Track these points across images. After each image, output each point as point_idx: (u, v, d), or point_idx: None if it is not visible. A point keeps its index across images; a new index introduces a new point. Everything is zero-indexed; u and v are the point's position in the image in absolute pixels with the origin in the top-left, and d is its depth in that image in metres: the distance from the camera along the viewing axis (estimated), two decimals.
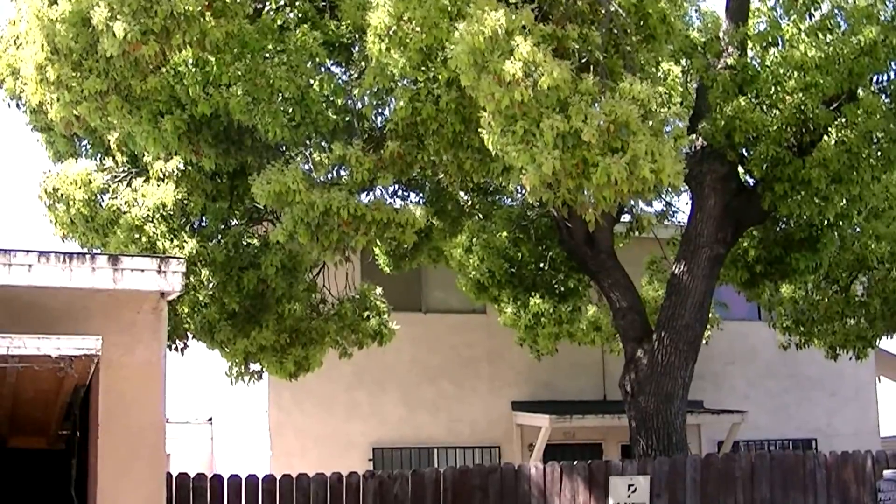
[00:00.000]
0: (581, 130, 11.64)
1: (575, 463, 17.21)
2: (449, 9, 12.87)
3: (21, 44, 16.27)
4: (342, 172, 15.64)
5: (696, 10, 20.29)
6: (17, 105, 18.95)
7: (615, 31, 13.83)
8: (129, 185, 18.36)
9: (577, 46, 12.76)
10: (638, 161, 11.64)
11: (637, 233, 22.87)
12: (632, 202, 20.78)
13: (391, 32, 13.17)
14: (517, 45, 11.79)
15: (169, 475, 14.55)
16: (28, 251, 11.22)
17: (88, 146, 19.73)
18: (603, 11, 13.70)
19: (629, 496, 16.72)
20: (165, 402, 12.00)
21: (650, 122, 12.01)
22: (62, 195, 17.99)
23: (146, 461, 11.77)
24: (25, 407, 12.93)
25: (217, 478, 15.94)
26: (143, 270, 11.46)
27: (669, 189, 13.68)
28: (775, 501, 17.06)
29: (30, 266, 11.14)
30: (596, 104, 11.91)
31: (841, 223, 20.12)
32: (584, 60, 12.96)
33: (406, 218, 14.94)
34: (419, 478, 16.51)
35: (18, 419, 13.69)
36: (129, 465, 11.65)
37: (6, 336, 10.11)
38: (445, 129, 14.16)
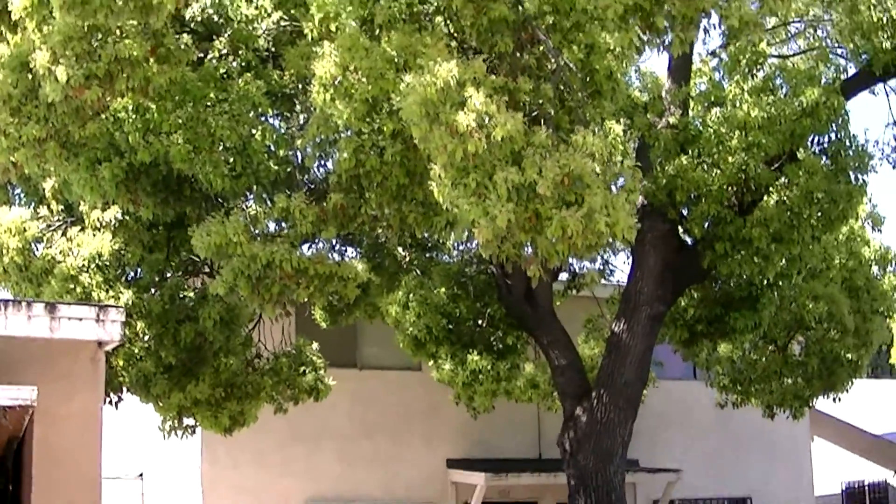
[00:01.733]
0: (536, 183, 11.45)
1: None
2: (395, 60, 12.73)
3: None
4: (283, 225, 15.36)
5: (636, 70, 20.36)
6: None
7: (562, 87, 13.71)
8: (63, 234, 18.05)
9: (527, 99, 12.63)
10: (593, 214, 11.46)
11: (575, 291, 22.84)
12: (570, 260, 20.69)
13: (336, 83, 12.98)
14: (470, 95, 11.60)
15: None
16: None
17: (22, 194, 19.40)
18: (550, 66, 13.60)
19: None
20: (102, 455, 11.67)
21: (603, 177, 11.87)
22: None
23: None
24: None
25: None
26: (80, 319, 11.19)
27: (617, 245, 13.47)
28: None
29: None
30: (548, 157, 11.73)
31: (780, 283, 20.17)
32: (534, 114, 12.83)
33: (348, 272, 14.75)
34: None
35: None
36: None
37: None
38: (389, 181, 13.94)
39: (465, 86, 11.76)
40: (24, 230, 17.68)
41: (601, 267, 23.26)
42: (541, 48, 13.46)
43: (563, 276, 22.37)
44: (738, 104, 18.06)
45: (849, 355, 23.07)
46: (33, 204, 19.03)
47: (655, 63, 32.38)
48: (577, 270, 22.76)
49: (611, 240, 12.10)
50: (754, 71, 18.50)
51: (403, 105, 11.99)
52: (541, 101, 12.85)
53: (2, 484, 13.58)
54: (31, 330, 11.00)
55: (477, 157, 11.63)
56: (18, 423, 10.65)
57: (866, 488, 35.14)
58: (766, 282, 19.81)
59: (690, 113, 18.81)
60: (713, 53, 19.94)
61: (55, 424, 11.32)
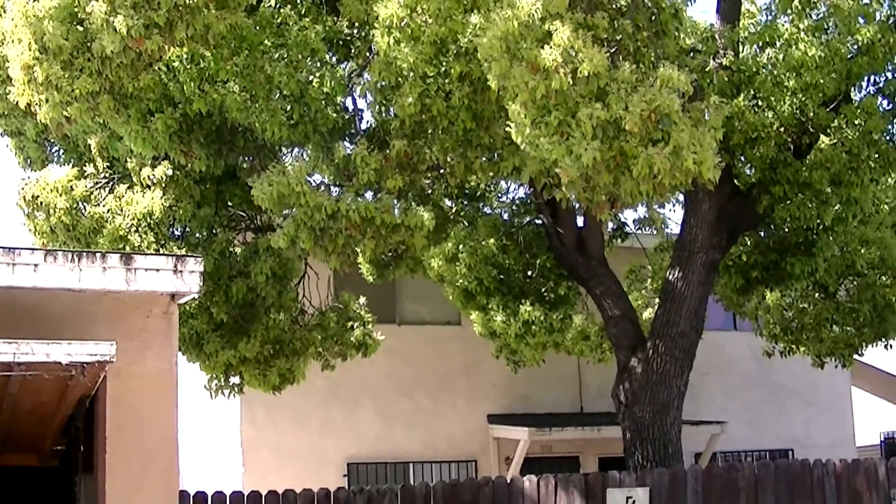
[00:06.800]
0: (622, 119, 11.05)
1: (570, 475, 16.67)
2: (464, 0, 12.31)
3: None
4: (343, 175, 14.92)
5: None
6: None
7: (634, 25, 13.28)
8: (111, 192, 17.64)
9: (605, 36, 12.19)
10: (681, 152, 11.06)
11: (620, 241, 22.43)
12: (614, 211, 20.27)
13: (402, 25, 12.56)
14: (556, 30, 11.18)
15: None
16: (34, 249, 10.56)
17: (61, 152, 18.99)
18: (618, 3, 13.17)
19: None
20: (178, 413, 11.27)
21: (689, 113, 11.46)
22: (42, 203, 17.24)
23: (159, 478, 11.01)
24: (22, 421, 12.21)
25: (200, 494, 15.18)
26: (157, 270, 10.77)
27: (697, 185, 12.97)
28: None
29: (35, 266, 10.44)
30: (634, 93, 11.30)
31: (835, 228, 19.76)
32: (613, 50, 12.40)
33: (415, 221, 14.28)
34: (409, 492, 15.92)
35: (12, 435, 12.94)
36: (141, 483, 10.89)
37: (12, 341, 9.43)
38: (456, 126, 13.54)
39: (545, 21, 11.34)
40: (72, 189, 17.31)
41: (645, 215, 22.85)
42: None
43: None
44: (792, 44, 17.60)
45: None
46: (73, 161, 18.61)
47: (698, 8, 31.94)
48: (623, 220, 22.37)
49: (694, 179, 11.63)
50: (808, 9, 18.02)
51: (481, 42, 11.56)
52: (619, 38, 12.43)
53: (65, 445, 13.26)
54: (106, 282, 10.59)
55: (560, 95, 11.22)
56: (94, 379, 10.28)
57: None
58: (821, 226, 19.40)
59: (742, 54, 18.36)
60: None
61: (129, 382, 10.93)
